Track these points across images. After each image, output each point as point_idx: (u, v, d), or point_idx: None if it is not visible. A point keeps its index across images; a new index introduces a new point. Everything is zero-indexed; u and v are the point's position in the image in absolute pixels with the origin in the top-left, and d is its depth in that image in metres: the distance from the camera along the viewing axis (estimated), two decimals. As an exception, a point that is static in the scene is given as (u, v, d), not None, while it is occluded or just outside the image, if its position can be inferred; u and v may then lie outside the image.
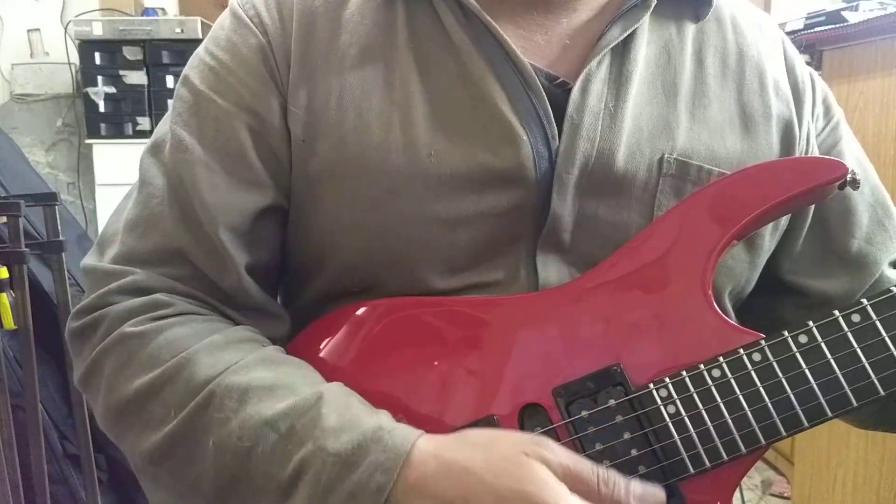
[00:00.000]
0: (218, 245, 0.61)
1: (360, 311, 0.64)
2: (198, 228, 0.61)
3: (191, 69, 0.66)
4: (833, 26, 1.77)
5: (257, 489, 0.54)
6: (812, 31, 1.85)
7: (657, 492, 0.54)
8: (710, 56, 0.67)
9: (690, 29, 0.67)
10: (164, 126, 0.66)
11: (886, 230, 0.72)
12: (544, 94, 0.61)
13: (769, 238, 0.68)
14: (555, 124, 0.61)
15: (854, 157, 0.73)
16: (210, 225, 0.61)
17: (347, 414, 0.54)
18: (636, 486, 0.53)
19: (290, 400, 0.55)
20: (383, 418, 0.55)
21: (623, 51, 0.63)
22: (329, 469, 0.52)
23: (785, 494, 2.09)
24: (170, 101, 0.67)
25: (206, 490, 0.56)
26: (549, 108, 0.61)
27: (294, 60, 0.63)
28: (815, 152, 0.71)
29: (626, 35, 0.63)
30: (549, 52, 0.65)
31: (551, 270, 0.63)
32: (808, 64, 0.76)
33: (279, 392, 0.56)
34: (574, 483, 0.52)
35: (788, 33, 1.91)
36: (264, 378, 0.57)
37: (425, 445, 0.52)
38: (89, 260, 0.65)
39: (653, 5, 0.64)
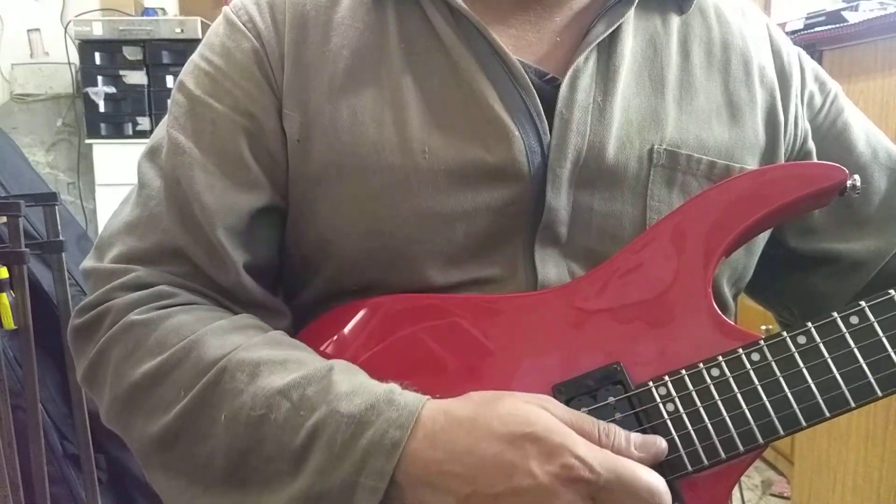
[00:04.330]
0: (216, 245, 0.62)
1: (360, 310, 0.64)
2: (196, 229, 0.62)
3: (186, 75, 0.67)
4: (833, 26, 1.77)
5: (270, 459, 0.54)
6: (812, 31, 1.85)
7: (658, 440, 0.54)
8: (696, 47, 0.68)
9: (675, 21, 0.68)
10: (160, 131, 0.67)
11: None
12: (534, 90, 0.62)
13: None
14: (545, 120, 0.62)
15: (860, 125, 0.74)
16: (208, 226, 0.62)
17: (357, 381, 0.55)
18: (636, 436, 0.54)
19: (301, 371, 0.56)
20: (392, 384, 0.55)
21: (609, 45, 0.64)
22: (343, 430, 0.52)
23: (785, 494, 2.09)
24: (170, 102, 0.68)
25: (218, 467, 0.56)
26: (540, 104, 0.62)
27: (288, 63, 0.64)
28: (805, 135, 0.71)
29: (611, 30, 0.64)
30: (540, 48, 0.66)
31: (549, 264, 0.63)
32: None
33: (290, 365, 0.57)
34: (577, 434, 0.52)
35: (788, 33, 1.92)
36: (274, 354, 0.57)
37: (435, 404, 0.54)
38: (88, 262, 0.65)
39: (637, 0, 0.65)
